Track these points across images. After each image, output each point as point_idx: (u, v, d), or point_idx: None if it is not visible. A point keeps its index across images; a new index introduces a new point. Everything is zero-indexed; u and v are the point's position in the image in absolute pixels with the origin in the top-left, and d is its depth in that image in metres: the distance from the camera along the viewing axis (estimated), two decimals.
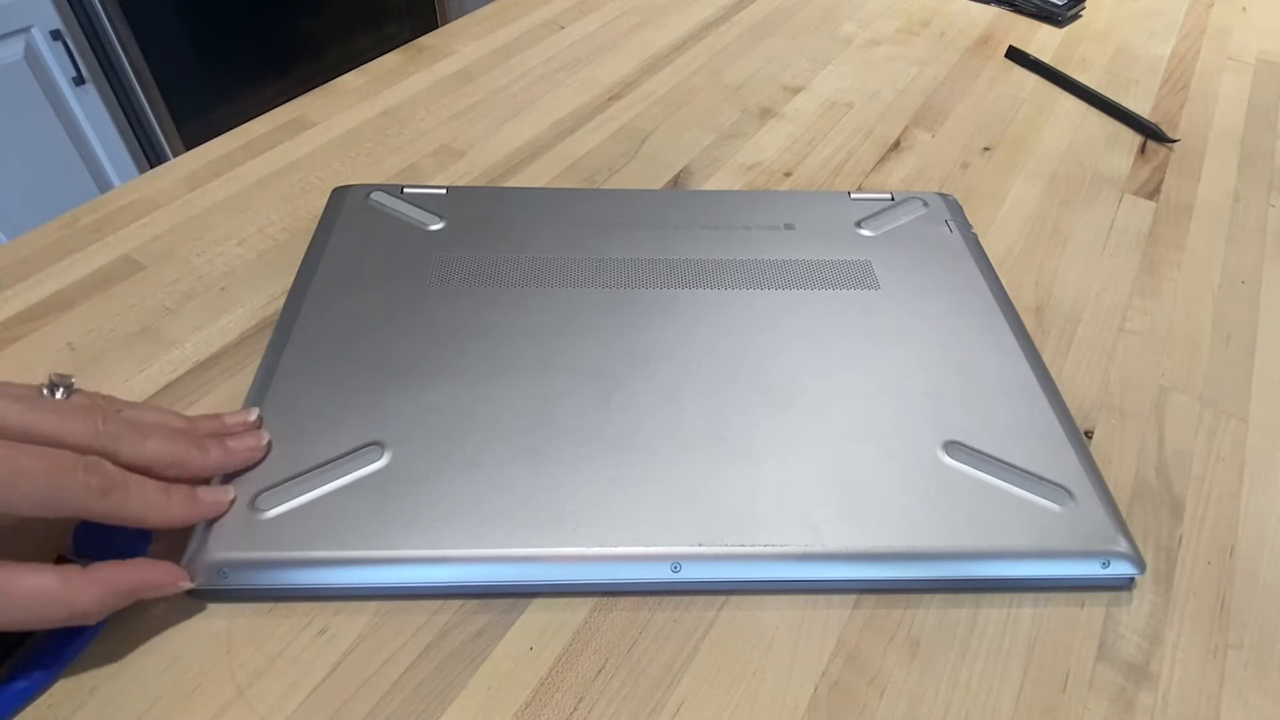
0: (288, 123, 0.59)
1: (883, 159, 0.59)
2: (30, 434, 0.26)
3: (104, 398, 0.30)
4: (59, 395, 0.28)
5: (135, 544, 0.31)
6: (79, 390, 0.29)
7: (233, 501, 0.32)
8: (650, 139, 0.60)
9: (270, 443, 0.34)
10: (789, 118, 0.63)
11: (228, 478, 0.33)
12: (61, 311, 0.43)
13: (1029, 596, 0.34)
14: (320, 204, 0.50)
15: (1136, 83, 0.70)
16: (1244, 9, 0.83)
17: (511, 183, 0.55)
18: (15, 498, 0.25)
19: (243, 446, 0.33)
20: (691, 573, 0.32)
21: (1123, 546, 0.33)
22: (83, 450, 0.27)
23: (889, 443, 0.36)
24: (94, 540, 0.30)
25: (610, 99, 0.64)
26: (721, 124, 0.62)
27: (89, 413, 0.28)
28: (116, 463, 0.28)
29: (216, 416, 0.34)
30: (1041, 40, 0.76)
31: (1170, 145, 0.62)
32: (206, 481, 0.32)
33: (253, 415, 0.34)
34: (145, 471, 0.29)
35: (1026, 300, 0.48)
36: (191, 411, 0.38)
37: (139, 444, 0.29)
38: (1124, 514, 0.36)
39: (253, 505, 0.32)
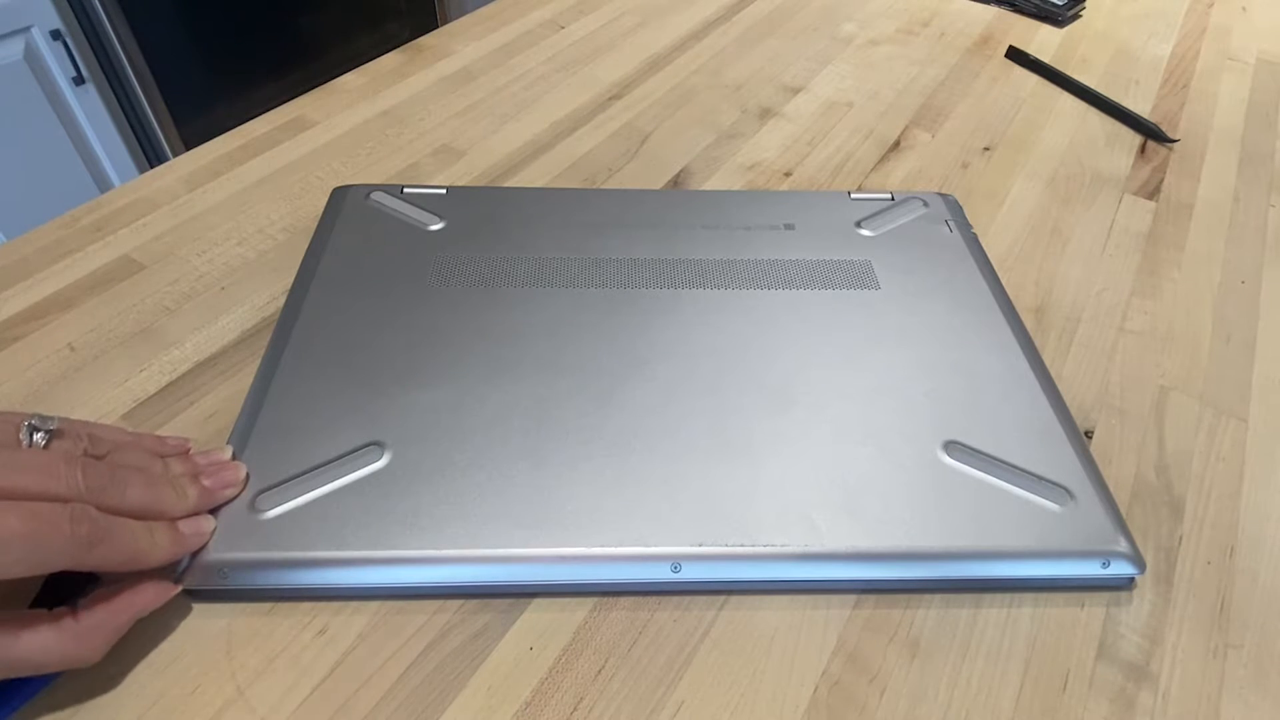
0: (288, 123, 0.59)
1: (883, 159, 0.59)
2: (10, 493, 0.25)
3: (87, 434, 0.30)
4: (38, 438, 0.28)
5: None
6: (59, 431, 0.29)
7: (214, 531, 0.31)
8: (650, 139, 0.60)
9: (248, 475, 0.33)
10: (789, 118, 0.63)
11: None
12: (61, 311, 0.43)
13: (1029, 596, 0.34)
14: (320, 204, 0.50)
15: (1136, 83, 0.70)
16: (1244, 9, 0.83)
17: (511, 183, 0.55)
18: (2, 564, 0.24)
19: (220, 484, 0.32)
20: (691, 573, 0.32)
21: (1123, 546, 0.33)
22: (64, 500, 0.26)
23: (889, 443, 0.36)
24: None
25: (610, 99, 0.64)
26: (721, 124, 0.62)
27: (70, 465, 0.27)
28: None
29: (189, 455, 0.33)
30: (1041, 40, 0.76)
31: (1170, 145, 0.62)
32: None
33: (226, 454, 0.34)
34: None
35: (1026, 300, 0.48)
36: (189, 412, 0.38)
37: (120, 496, 0.28)
38: (1124, 514, 0.36)
39: (253, 505, 0.32)
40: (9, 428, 0.28)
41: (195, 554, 0.31)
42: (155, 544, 0.29)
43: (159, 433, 0.37)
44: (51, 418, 0.29)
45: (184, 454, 0.33)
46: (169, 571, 0.30)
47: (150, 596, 0.29)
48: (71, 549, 0.25)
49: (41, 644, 0.26)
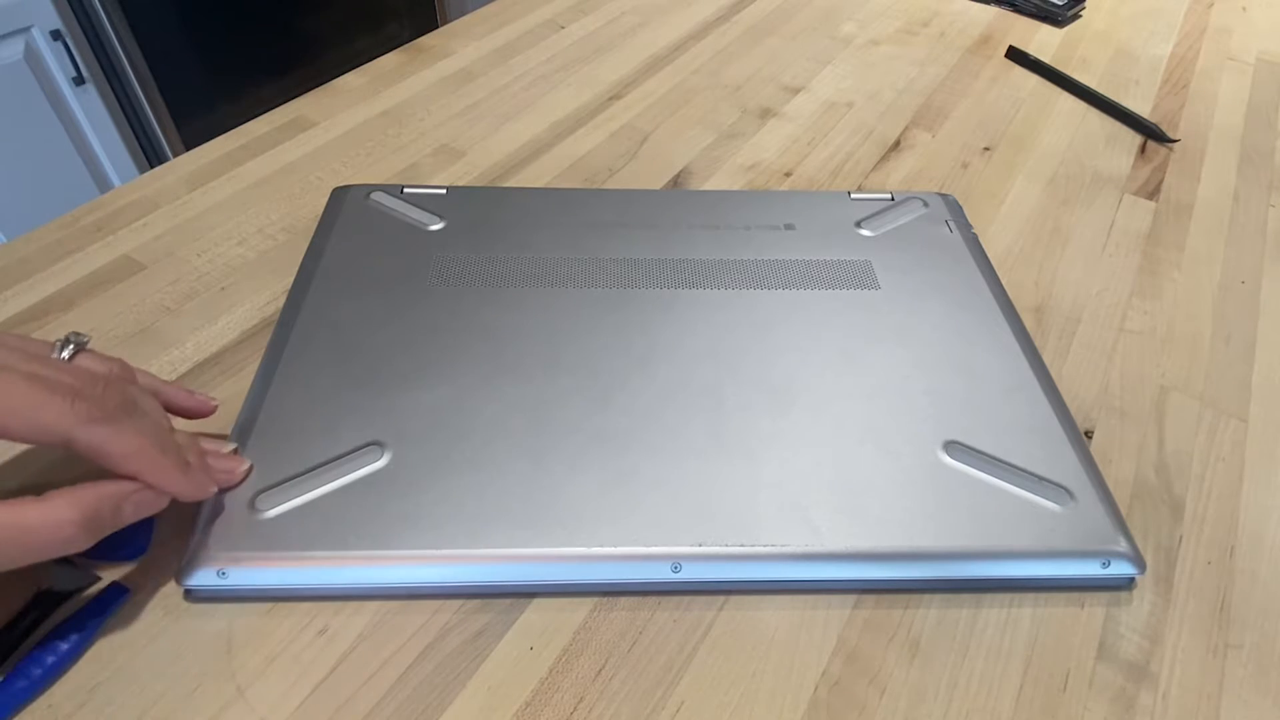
0: (288, 123, 0.59)
1: (883, 159, 0.59)
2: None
3: (120, 363, 0.30)
4: (68, 352, 0.29)
5: (136, 535, 0.31)
6: (91, 351, 0.29)
7: (248, 471, 0.31)
8: (650, 139, 0.60)
9: (250, 468, 0.33)
10: (789, 118, 0.63)
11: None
12: (61, 311, 0.43)
13: (1029, 596, 0.34)
14: (320, 204, 0.50)
15: (1136, 83, 0.70)
16: (1244, 9, 0.83)
17: (511, 183, 0.55)
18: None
19: (221, 467, 0.32)
20: (691, 573, 0.32)
21: (1123, 546, 0.33)
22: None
23: (889, 443, 0.36)
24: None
25: (610, 99, 0.64)
26: (721, 124, 0.62)
27: (92, 377, 0.27)
28: None
29: (194, 437, 0.33)
30: (1041, 40, 0.76)
31: (1170, 145, 0.62)
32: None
33: (228, 448, 0.34)
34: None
35: (1026, 300, 0.48)
36: None
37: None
38: (1124, 514, 0.36)
39: (252, 505, 0.32)
40: (44, 345, 0.29)
41: (195, 554, 0.31)
42: (165, 460, 0.28)
43: None
44: (85, 335, 0.29)
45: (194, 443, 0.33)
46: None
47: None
48: (69, 419, 0.25)
49: (40, 513, 0.25)
